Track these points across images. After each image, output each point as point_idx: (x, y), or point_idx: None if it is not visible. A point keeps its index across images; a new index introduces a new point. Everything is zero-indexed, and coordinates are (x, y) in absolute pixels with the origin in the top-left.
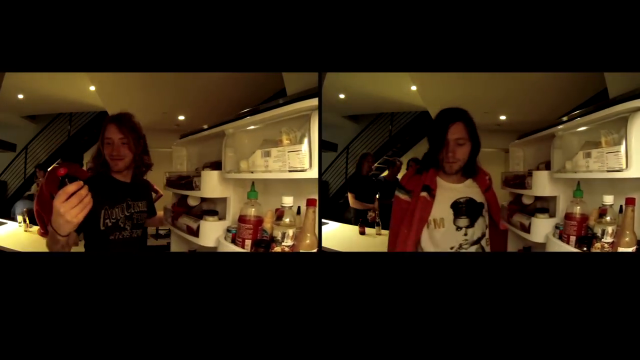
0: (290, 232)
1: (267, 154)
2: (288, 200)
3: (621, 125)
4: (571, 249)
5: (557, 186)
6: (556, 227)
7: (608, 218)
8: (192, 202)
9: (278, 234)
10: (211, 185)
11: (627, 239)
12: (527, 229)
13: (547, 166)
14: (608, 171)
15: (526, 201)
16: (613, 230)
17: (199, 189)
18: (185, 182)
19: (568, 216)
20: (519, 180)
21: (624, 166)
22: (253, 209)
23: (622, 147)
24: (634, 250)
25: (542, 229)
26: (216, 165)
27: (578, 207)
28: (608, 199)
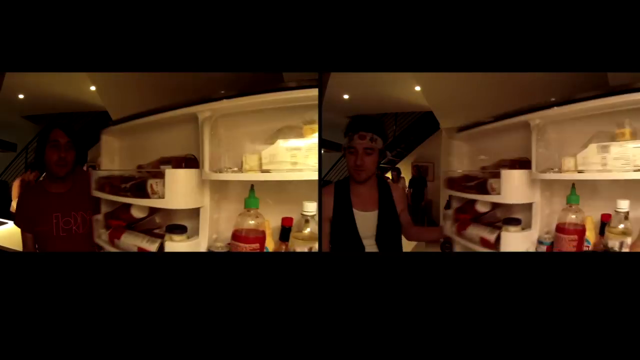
0: (629, 240)
1: None
2: (624, 204)
3: (623, 115)
4: None
5: (533, 191)
6: (539, 242)
7: (621, 226)
8: (137, 214)
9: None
10: (186, 189)
11: None
12: (492, 245)
13: (518, 164)
14: (635, 170)
15: (481, 209)
16: (632, 241)
17: (159, 196)
18: (130, 185)
19: (561, 228)
20: (475, 182)
21: None
22: (253, 222)
23: None
24: None
25: (515, 245)
26: (181, 162)
27: (574, 216)
28: (623, 205)
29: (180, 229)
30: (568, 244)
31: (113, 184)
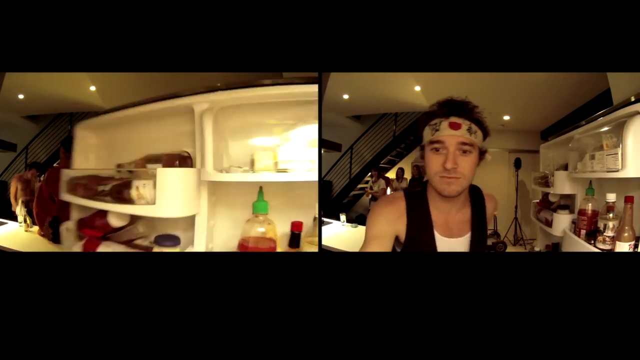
0: (611, 224)
1: None
2: (611, 197)
3: (620, 129)
4: (582, 242)
5: (575, 185)
6: (572, 222)
7: (611, 214)
8: (116, 222)
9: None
10: (183, 193)
11: (626, 234)
12: (550, 224)
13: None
14: (607, 171)
15: (552, 199)
16: (614, 225)
17: (148, 201)
18: (110, 188)
19: (580, 212)
20: (545, 180)
21: (620, 167)
22: (263, 229)
23: (620, 150)
24: (632, 246)
25: (561, 224)
26: (174, 161)
27: (589, 204)
28: (611, 197)
29: (172, 240)
30: (582, 223)
31: (88, 186)
